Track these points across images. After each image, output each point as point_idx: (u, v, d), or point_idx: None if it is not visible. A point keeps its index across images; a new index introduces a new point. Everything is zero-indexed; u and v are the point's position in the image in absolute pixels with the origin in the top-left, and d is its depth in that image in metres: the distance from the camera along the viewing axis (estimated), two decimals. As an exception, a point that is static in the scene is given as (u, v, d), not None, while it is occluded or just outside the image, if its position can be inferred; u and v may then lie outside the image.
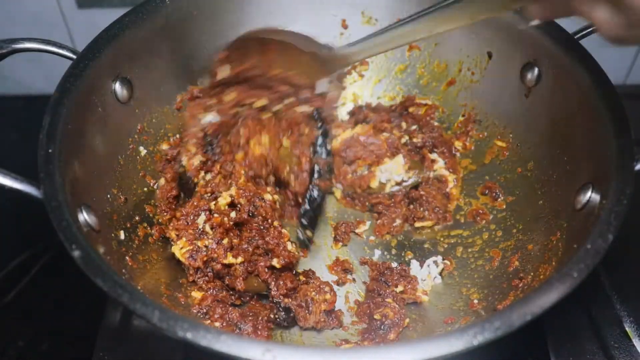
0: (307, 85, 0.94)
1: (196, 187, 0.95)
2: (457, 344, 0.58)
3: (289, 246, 0.87)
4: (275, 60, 0.92)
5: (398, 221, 1.00)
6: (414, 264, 0.94)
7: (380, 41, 0.83)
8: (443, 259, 0.95)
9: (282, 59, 0.92)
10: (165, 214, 0.95)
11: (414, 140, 1.06)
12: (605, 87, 0.81)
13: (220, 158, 0.95)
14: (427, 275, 0.93)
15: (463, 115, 1.09)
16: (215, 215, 0.88)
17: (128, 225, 0.88)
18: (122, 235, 0.85)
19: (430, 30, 0.76)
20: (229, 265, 0.86)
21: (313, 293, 0.85)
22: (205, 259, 0.85)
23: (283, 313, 0.86)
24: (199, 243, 0.86)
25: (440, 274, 0.94)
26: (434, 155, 1.05)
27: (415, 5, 1.04)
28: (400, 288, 0.90)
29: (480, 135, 1.06)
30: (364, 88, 1.15)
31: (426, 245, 0.98)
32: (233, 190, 0.90)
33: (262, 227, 0.89)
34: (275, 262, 0.86)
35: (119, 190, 0.89)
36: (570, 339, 0.93)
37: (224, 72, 0.93)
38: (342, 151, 1.03)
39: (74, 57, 0.84)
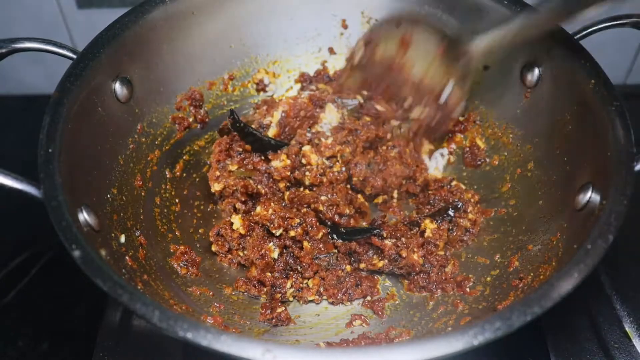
0: (436, 91, 0.95)
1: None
2: (457, 344, 0.58)
3: None
4: (412, 53, 0.94)
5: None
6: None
7: (512, 33, 0.85)
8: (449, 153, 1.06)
9: (419, 52, 0.94)
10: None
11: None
12: (605, 87, 0.81)
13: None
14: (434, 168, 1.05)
15: (463, 115, 1.09)
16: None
17: (128, 224, 0.88)
18: (122, 238, 0.85)
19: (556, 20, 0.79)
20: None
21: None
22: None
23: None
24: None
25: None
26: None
27: (415, 6, 1.04)
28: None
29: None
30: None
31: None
32: None
33: None
34: None
35: (119, 190, 0.89)
36: (570, 339, 0.93)
37: (359, 52, 0.98)
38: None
39: (74, 57, 0.84)
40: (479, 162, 1.05)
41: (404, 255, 0.90)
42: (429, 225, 0.94)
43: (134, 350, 0.91)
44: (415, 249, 0.91)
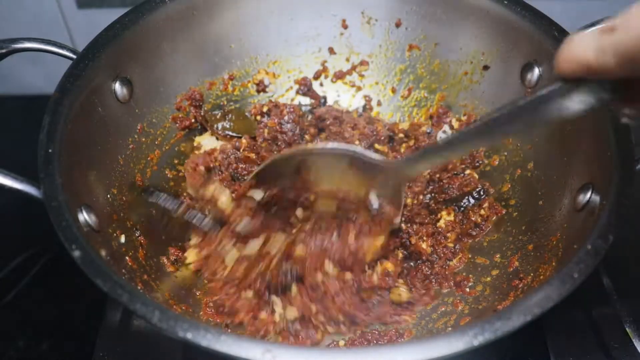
0: (357, 200, 0.87)
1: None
2: (457, 345, 0.58)
3: None
4: (313, 180, 0.87)
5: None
6: None
7: (436, 157, 0.78)
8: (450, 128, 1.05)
9: (321, 176, 0.86)
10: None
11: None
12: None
13: None
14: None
15: (464, 115, 1.09)
16: None
17: (128, 224, 0.88)
18: (122, 238, 0.85)
19: (490, 141, 0.74)
20: None
21: None
22: None
23: None
24: None
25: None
26: None
27: (415, 7, 1.04)
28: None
29: None
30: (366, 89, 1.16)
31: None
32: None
33: None
34: None
35: (119, 190, 0.89)
36: (570, 339, 0.93)
37: (257, 195, 0.89)
38: None
39: (74, 57, 0.84)
40: (478, 164, 1.05)
41: (412, 242, 0.91)
42: (445, 216, 0.94)
43: (134, 350, 0.91)
44: (425, 238, 0.92)
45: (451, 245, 0.94)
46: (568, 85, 0.56)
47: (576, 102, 0.56)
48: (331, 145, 0.86)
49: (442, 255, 0.93)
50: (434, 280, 0.91)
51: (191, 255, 0.92)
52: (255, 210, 0.90)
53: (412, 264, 0.93)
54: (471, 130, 0.68)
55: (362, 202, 0.88)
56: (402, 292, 0.88)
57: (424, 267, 0.92)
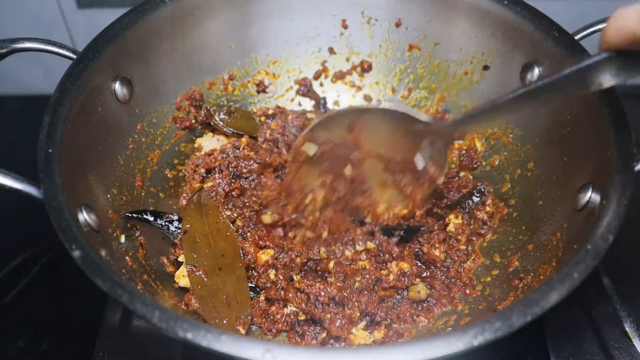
0: (404, 160, 0.91)
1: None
2: (457, 344, 0.58)
3: None
4: (364, 138, 0.91)
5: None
6: None
7: (483, 119, 0.82)
8: None
9: (372, 135, 0.90)
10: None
11: None
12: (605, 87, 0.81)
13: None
14: None
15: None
16: None
17: (128, 225, 0.88)
18: (122, 238, 0.85)
19: (534, 106, 0.77)
20: None
21: None
22: None
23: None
24: None
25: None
26: None
27: (415, 7, 1.04)
28: None
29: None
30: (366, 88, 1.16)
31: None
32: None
33: None
34: None
35: (119, 190, 0.89)
36: (570, 339, 0.93)
37: (311, 149, 0.92)
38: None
39: (74, 57, 0.84)
40: (476, 165, 1.05)
41: (425, 251, 0.91)
42: (453, 220, 0.95)
43: (134, 350, 0.91)
44: (437, 245, 0.92)
45: (463, 247, 0.95)
46: (613, 56, 0.62)
47: (618, 74, 0.63)
48: (384, 104, 0.90)
49: (456, 258, 0.93)
50: (454, 286, 0.91)
51: (181, 279, 0.89)
52: (308, 164, 0.94)
53: (427, 273, 0.92)
54: (518, 95, 0.72)
55: (408, 163, 0.91)
56: (421, 289, 0.89)
57: (438, 272, 0.92)
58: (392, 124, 0.88)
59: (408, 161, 0.91)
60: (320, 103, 1.14)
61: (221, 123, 1.04)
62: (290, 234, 0.94)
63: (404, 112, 0.87)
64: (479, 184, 1.00)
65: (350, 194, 0.94)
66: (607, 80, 0.64)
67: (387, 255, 0.90)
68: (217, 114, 1.04)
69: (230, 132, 1.04)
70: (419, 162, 0.90)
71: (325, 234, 0.93)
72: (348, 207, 0.95)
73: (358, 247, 0.90)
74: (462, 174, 1.04)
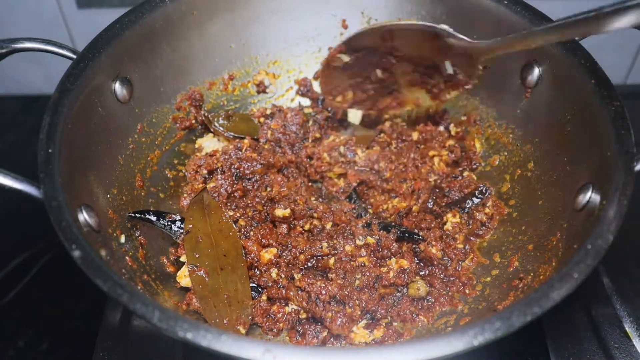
0: (433, 64, 0.97)
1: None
2: (458, 344, 0.58)
3: None
4: (397, 46, 0.96)
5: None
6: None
7: (513, 42, 0.85)
8: None
9: (405, 43, 0.96)
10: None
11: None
12: (605, 87, 0.81)
13: None
14: None
15: (465, 115, 1.09)
16: None
17: (128, 225, 0.88)
18: (122, 238, 0.85)
19: (560, 38, 0.79)
20: None
21: None
22: None
23: None
24: None
25: None
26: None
27: (415, 7, 1.04)
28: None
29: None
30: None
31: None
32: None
33: None
34: None
35: (119, 190, 0.89)
36: (570, 339, 0.93)
37: (345, 58, 0.99)
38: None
39: (74, 57, 0.84)
40: (475, 166, 1.05)
41: (422, 248, 0.91)
42: (451, 219, 0.95)
43: (134, 350, 0.91)
44: (434, 242, 0.92)
45: (461, 246, 0.94)
46: None
47: None
48: (419, 22, 0.95)
49: (453, 257, 0.93)
50: (452, 286, 0.91)
51: (183, 279, 0.88)
52: (342, 68, 1.02)
53: (426, 271, 0.93)
54: (549, 26, 0.77)
55: (437, 67, 0.98)
56: (421, 286, 0.89)
57: (437, 270, 0.92)
58: (425, 36, 0.93)
59: (437, 66, 0.97)
60: (318, 99, 1.14)
61: (221, 129, 1.04)
62: (299, 226, 0.95)
63: (442, 28, 0.92)
64: (481, 185, 1.00)
65: (378, 94, 1.02)
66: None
67: (385, 251, 0.90)
68: (216, 119, 1.04)
69: (231, 136, 1.04)
70: (449, 67, 0.96)
71: (329, 225, 0.94)
72: (375, 108, 1.05)
73: (358, 242, 0.90)
74: (465, 173, 1.04)
